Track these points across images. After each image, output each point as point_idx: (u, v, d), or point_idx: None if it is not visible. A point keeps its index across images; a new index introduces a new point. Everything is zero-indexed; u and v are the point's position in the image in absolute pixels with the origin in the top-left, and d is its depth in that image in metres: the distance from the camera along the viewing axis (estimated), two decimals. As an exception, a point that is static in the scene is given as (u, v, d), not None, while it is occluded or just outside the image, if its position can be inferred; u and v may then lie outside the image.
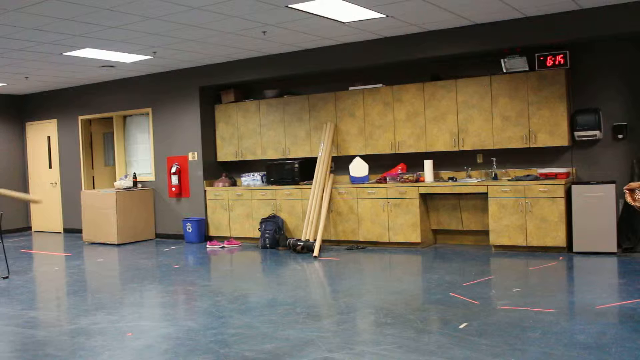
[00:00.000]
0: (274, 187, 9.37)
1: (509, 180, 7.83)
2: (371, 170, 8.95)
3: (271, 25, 7.14)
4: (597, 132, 7.39)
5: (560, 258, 7.12)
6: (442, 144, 8.24)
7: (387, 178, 8.60)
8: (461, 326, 4.60)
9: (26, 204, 12.58)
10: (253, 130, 9.81)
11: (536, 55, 7.54)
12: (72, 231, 11.83)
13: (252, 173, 9.96)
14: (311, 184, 9.04)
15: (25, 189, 12.60)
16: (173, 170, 10.28)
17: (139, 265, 8.07)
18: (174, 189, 10.32)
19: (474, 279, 6.24)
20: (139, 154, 11.12)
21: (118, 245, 10.02)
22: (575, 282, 6.29)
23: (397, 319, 4.88)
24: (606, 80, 7.60)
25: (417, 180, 8.44)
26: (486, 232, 8.01)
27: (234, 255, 8.79)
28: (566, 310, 5.03)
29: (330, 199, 8.78)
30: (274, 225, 8.99)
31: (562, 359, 3.83)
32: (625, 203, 6.88)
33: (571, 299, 5.46)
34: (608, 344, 4.06)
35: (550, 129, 7.56)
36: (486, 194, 7.82)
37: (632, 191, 6.78)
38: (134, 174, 10.76)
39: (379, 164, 8.98)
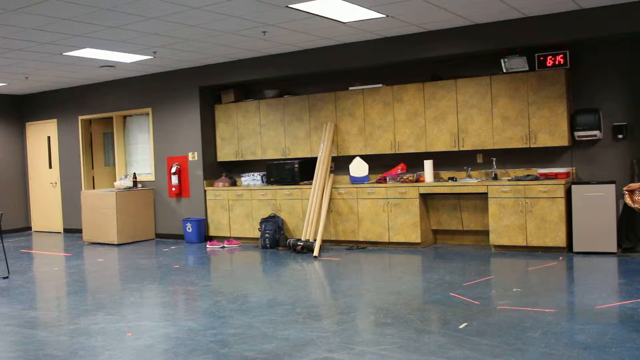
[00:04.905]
0: (274, 187, 9.37)
1: (509, 180, 7.83)
2: (371, 170, 8.95)
3: (271, 25, 7.14)
4: (597, 132, 7.39)
5: (560, 258, 7.12)
6: (442, 144, 8.24)
7: (387, 178, 8.60)
8: (461, 326, 4.60)
9: (26, 203, 12.59)
10: (253, 130, 9.81)
11: (536, 55, 7.54)
12: (72, 231, 11.83)
13: (252, 173, 9.96)
14: (311, 184, 9.04)
15: (25, 189, 12.61)
16: (173, 170, 10.28)
17: (139, 265, 8.07)
18: (174, 189, 10.32)
19: (474, 279, 6.24)
20: (139, 154, 11.12)
21: (118, 245, 10.02)
22: (575, 282, 6.29)
23: (397, 319, 4.88)
24: (606, 80, 7.60)
25: (417, 180, 8.44)
26: (486, 232, 8.02)
27: (234, 255, 8.79)
28: (566, 310, 5.03)
29: (330, 199, 8.78)
30: (274, 225, 8.99)
31: (562, 359, 3.83)
32: (625, 203, 6.88)
33: (571, 299, 5.47)
34: (608, 344, 4.06)
35: (550, 129, 7.56)
36: (486, 194, 7.82)
37: (631, 192, 6.79)
38: (134, 174, 10.76)
39: (379, 164, 8.98)
